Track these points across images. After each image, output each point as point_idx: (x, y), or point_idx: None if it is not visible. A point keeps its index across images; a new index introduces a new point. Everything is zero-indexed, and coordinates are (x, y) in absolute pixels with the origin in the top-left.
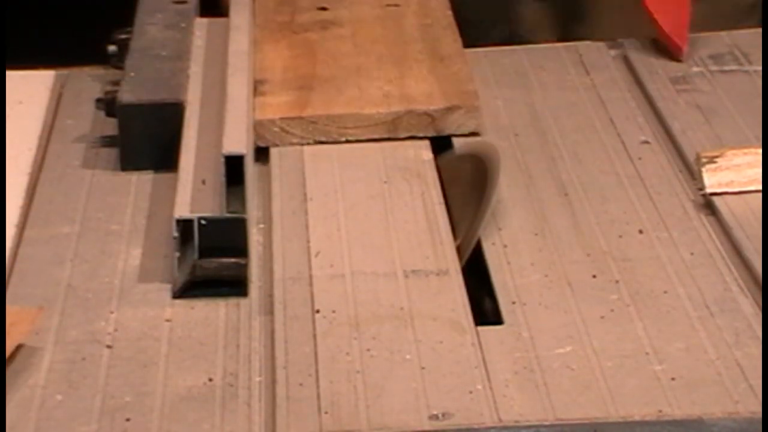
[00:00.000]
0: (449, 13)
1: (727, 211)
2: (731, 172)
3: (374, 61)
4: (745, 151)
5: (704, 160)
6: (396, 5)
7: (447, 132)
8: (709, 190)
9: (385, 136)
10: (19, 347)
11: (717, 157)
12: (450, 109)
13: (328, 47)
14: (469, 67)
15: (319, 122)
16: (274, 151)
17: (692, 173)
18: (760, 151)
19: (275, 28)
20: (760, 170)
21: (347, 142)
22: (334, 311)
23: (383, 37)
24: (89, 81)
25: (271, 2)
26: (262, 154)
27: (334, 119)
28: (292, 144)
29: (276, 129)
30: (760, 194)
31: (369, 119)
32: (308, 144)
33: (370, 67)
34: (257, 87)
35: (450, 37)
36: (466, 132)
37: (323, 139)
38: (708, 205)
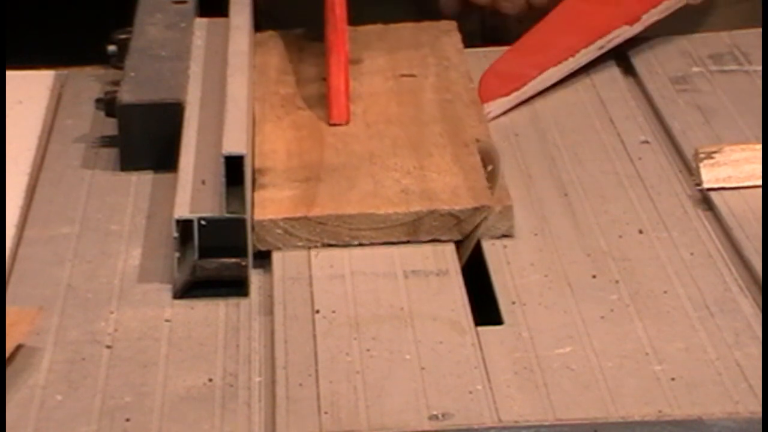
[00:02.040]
0: (472, 86)
1: (727, 210)
2: (729, 168)
3: (389, 146)
4: (743, 146)
5: (702, 155)
6: (412, 75)
7: (476, 235)
8: (706, 186)
9: (404, 239)
10: (18, 347)
11: (715, 152)
12: (478, 210)
13: (338, 127)
14: (499, 156)
15: (329, 223)
16: (276, 256)
17: (690, 169)
18: (759, 147)
19: (277, 102)
20: (757, 166)
21: (360, 245)
22: (334, 311)
23: (399, 116)
24: (89, 81)
25: (273, 71)
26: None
27: (345, 220)
28: (296, 247)
29: (279, 231)
30: (759, 192)
31: (385, 220)
32: (315, 247)
33: (385, 153)
34: (257, 178)
35: (474, 117)
36: (497, 235)
37: (333, 242)
38: (705, 200)
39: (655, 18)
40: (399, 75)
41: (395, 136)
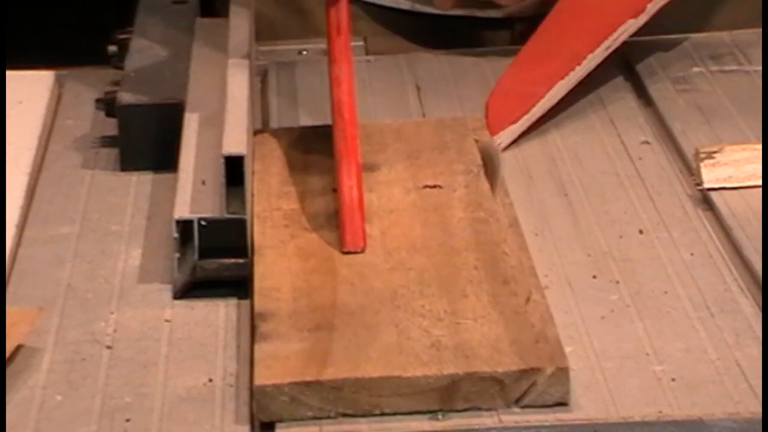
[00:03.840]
0: (509, 200)
1: (727, 210)
2: (730, 168)
3: (415, 282)
4: (744, 146)
5: (703, 155)
6: (437, 186)
7: (523, 403)
8: (707, 186)
9: (436, 407)
10: (18, 348)
11: (715, 152)
12: (526, 373)
13: (352, 256)
14: (545, 295)
15: (345, 389)
16: None
17: (690, 169)
18: (759, 146)
19: (280, 221)
20: (758, 166)
21: (382, 414)
22: None
23: (424, 241)
24: (89, 81)
25: (274, 180)
26: None
27: (364, 384)
28: (305, 419)
29: (284, 398)
30: (759, 191)
31: (413, 385)
32: (328, 418)
33: (410, 291)
34: (258, 325)
35: (515, 243)
36: (550, 403)
37: (349, 411)
38: (706, 200)
39: (661, 4)
40: (422, 186)
41: (421, 267)
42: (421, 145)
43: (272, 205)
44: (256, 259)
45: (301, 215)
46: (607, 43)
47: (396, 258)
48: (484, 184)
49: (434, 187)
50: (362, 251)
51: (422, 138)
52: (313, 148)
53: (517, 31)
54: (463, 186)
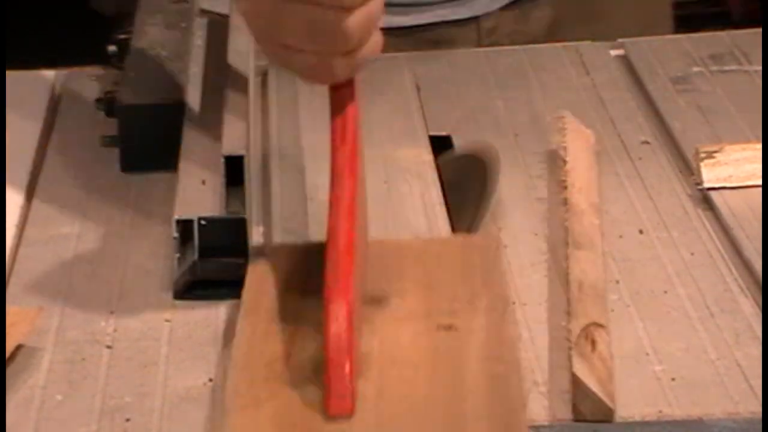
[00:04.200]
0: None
1: (727, 210)
2: (730, 167)
3: None
4: (744, 146)
5: (703, 154)
6: (452, 328)
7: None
8: (707, 185)
9: None
10: (18, 347)
11: (716, 152)
12: None
13: (338, 423)
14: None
15: None
16: None
17: (690, 169)
18: (759, 146)
19: (260, 371)
20: (758, 165)
21: None
22: None
23: (427, 405)
24: (89, 81)
25: (263, 314)
26: None
27: None
28: None
29: None
30: (759, 191)
31: None
32: None
33: None
34: None
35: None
36: None
37: None
38: (706, 200)
39: None
40: (435, 326)
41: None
42: (442, 270)
43: (254, 348)
44: (225, 422)
45: (285, 364)
46: None
47: (390, 428)
48: (509, 328)
49: (449, 328)
50: (350, 416)
51: (444, 261)
52: (313, 271)
53: (484, 27)
54: (484, 328)
